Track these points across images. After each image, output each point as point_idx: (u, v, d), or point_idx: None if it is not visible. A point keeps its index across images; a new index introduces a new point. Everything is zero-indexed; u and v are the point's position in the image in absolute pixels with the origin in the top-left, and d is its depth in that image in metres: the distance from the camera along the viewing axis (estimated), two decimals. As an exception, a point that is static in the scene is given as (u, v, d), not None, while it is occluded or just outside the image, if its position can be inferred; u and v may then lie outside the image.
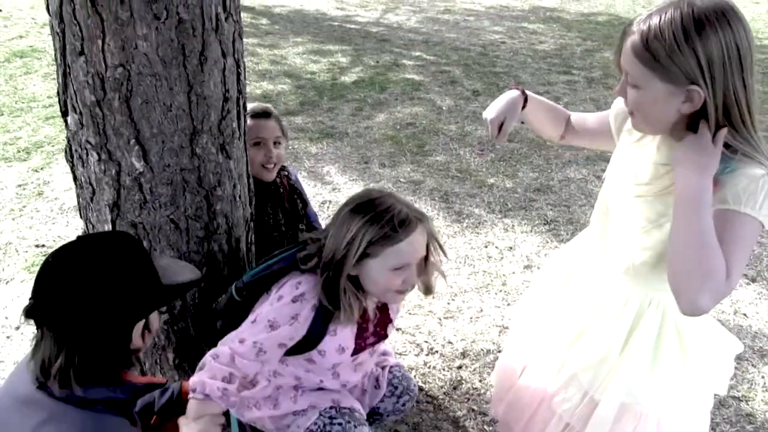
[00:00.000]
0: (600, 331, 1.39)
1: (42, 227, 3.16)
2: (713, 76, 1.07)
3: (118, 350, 1.19)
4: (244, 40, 1.72)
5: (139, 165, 1.49)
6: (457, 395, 2.22)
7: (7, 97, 4.77)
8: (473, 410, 2.15)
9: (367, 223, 1.37)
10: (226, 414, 1.65)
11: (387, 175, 3.80)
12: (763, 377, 2.33)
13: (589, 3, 9.30)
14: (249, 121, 1.83)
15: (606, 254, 1.41)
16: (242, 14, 1.64)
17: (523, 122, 1.59)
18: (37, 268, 1.14)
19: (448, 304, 2.70)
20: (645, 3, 9.19)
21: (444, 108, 4.90)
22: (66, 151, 1.62)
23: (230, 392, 1.35)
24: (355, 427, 1.57)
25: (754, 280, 2.89)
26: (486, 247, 3.13)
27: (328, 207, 3.42)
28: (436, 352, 2.43)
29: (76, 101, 1.46)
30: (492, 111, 1.47)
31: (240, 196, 1.70)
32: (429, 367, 2.35)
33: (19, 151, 3.92)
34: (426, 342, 2.47)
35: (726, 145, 1.12)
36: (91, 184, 1.57)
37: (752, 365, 2.38)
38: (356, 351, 1.56)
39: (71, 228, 3.14)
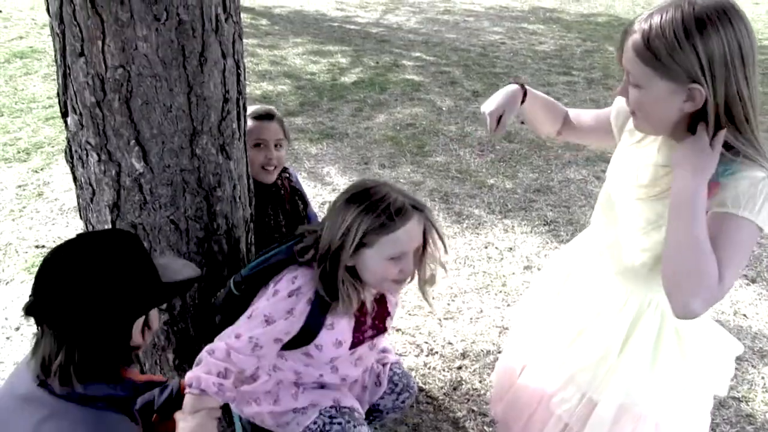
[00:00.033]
0: (599, 331, 1.39)
1: (42, 228, 3.16)
2: (714, 74, 1.07)
3: (118, 347, 1.19)
4: (244, 40, 1.72)
5: (139, 166, 1.49)
6: (457, 396, 2.22)
7: (7, 98, 4.77)
8: (473, 411, 2.15)
9: (363, 212, 1.37)
10: (228, 412, 1.65)
11: (387, 176, 3.80)
12: (763, 378, 2.33)
13: (588, 4, 9.31)
14: (251, 123, 1.84)
15: (606, 255, 1.41)
16: (242, 15, 1.64)
17: (522, 122, 1.59)
18: (36, 269, 1.14)
19: (448, 304, 2.70)
20: (645, 3, 9.20)
21: (444, 109, 4.90)
22: (66, 152, 1.62)
23: (226, 387, 1.35)
24: (355, 427, 1.58)
25: (753, 281, 2.89)
26: (486, 247, 3.13)
27: (328, 207, 3.41)
28: (436, 352, 2.43)
29: (76, 102, 1.46)
30: (491, 104, 1.46)
31: (240, 197, 1.70)
32: (429, 368, 2.35)
33: (19, 152, 3.92)
34: (426, 343, 2.47)
35: (728, 147, 1.12)
36: (91, 185, 1.57)
37: (752, 366, 2.38)
38: (354, 345, 1.56)
39: (71, 229, 3.14)
